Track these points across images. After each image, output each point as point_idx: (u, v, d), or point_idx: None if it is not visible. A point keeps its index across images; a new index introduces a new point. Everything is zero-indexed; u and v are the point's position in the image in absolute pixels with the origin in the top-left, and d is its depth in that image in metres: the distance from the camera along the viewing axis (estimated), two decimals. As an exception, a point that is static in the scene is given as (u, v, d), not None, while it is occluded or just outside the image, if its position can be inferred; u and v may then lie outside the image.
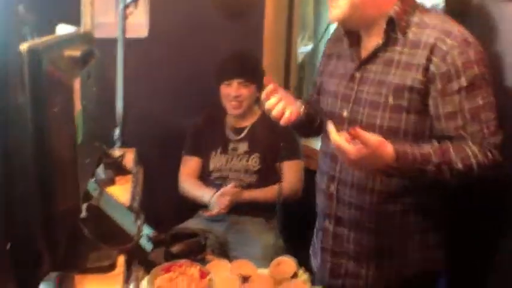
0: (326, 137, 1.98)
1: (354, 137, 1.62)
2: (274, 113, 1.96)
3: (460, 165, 1.71)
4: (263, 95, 1.99)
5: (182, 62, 3.44)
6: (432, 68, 1.75)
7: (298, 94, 3.74)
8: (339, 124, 1.90)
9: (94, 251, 1.45)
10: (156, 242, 1.87)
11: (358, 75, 1.94)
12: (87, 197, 1.44)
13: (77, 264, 1.34)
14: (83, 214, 1.37)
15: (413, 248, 2.00)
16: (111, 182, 2.30)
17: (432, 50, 1.75)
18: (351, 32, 1.99)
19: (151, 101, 3.40)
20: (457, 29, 1.78)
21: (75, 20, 2.30)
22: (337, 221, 2.05)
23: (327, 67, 2.13)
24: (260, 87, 3.15)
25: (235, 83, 3.14)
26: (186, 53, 3.45)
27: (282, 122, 1.96)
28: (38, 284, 1.05)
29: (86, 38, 1.36)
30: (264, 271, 2.11)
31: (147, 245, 1.64)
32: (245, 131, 3.26)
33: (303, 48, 4.07)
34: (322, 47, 3.48)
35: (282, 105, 1.95)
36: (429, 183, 1.81)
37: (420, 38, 1.79)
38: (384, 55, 1.87)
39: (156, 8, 3.39)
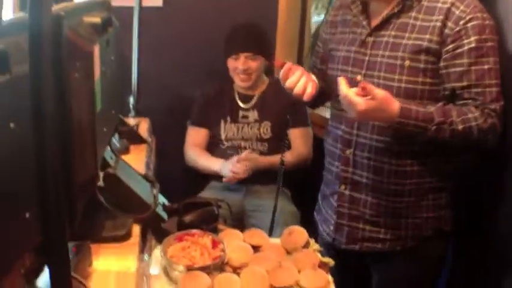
0: (339, 102, 2.00)
1: (363, 90, 1.72)
2: (297, 90, 1.98)
3: (460, 127, 1.79)
4: (281, 74, 2.02)
5: (197, 31, 3.43)
6: (446, 30, 1.83)
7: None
8: (353, 88, 1.93)
9: (109, 220, 1.46)
10: (169, 212, 1.87)
11: (370, 40, 1.99)
12: (104, 165, 1.44)
13: (93, 233, 1.35)
14: (100, 182, 1.37)
15: (427, 209, 2.07)
16: (126, 150, 2.30)
17: (447, 14, 1.83)
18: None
19: (165, 71, 3.40)
20: None
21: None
22: (353, 186, 2.10)
23: (333, 35, 2.17)
24: (268, 57, 3.20)
25: (242, 57, 3.13)
26: (200, 22, 3.44)
27: (306, 97, 1.98)
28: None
29: (105, 5, 1.35)
30: (275, 240, 2.12)
31: (163, 214, 1.64)
32: (254, 99, 3.27)
33: (316, 18, 4.04)
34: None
35: (303, 82, 1.98)
36: (430, 141, 1.86)
37: (435, 4, 1.87)
38: (398, 21, 1.93)
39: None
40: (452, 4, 1.84)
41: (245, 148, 3.18)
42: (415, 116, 1.80)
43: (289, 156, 3.08)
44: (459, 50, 1.83)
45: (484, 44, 1.82)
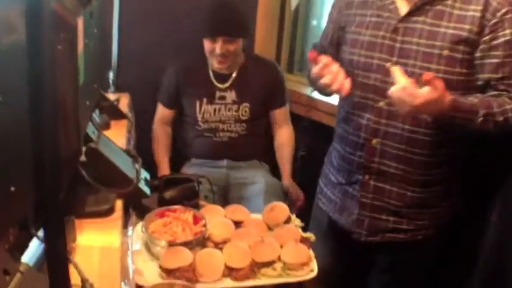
0: (362, 90, 1.99)
1: (426, 82, 1.64)
2: (334, 87, 1.85)
3: (501, 118, 1.78)
4: (315, 71, 1.88)
5: (179, 5, 3.36)
6: (484, 21, 1.79)
7: (292, 40, 3.68)
8: (382, 76, 1.92)
9: (92, 195, 1.44)
10: (149, 188, 1.86)
11: (401, 25, 1.91)
12: (86, 139, 1.42)
13: (76, 208, 1.33)
14: (82, 157, 1.35)
15: (449, 196, 2.07)
16: (107, 126, 2.27)
17: (485, 5, 1.80)
18: None
19: (145, 46, 3.33)
20: None
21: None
22: (379, 176, 2.03)
23: (349, 17, 2.07)
24: (246, 36, 3.10)
25: (220, 40, 2.95)
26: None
27: (344, 93, 1.86)
28: (39, 229, 1.04)
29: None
30: (257, 216, 2.12)
31: (146, 189, 1.63)
32: (231, 79, 3.12)
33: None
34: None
35: (341, 78, 1.85)
36: (473, 133, 1.83)
37: None
38: (432, 8, 1.86)
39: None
40: None
41: (223, 130, 3.12)
42: (463, 108, 1.76)
43: (287, 151, 3.18)
44: (495, 42, 1.80)
45: None
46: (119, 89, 3.04)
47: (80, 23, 1.09)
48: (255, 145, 3.17)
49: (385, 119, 1.97)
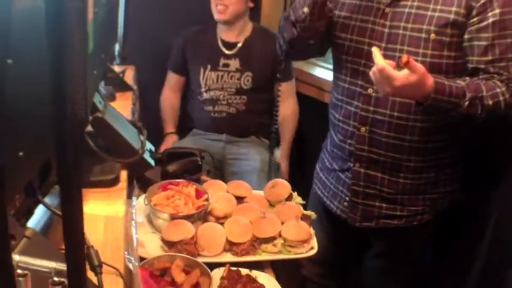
0: (351, 76, 1.97)
1: (404, 64, 1.59)
2: None
3: (490, 101, 1.71)
4: None
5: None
6: (472, 2, 1.75)
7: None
8: (371, 62, 1.82)
9: (97, 164, 1.44)
10: (154, 160, 1.86)
11: (389, 10, 1.88)
12: (93, 109, 1.42)
13: (84, 177, 1.34)
14: (89, 127, 1.35)
15: (444, 183, 2.04)
16: (112, 97, 2.27)
17: None
18: None
19: (151, 18, 3.33)
20: None
21: None
22: (369, 164, 2.02)
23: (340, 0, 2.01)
24: None
25: None
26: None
27: None
28: (45, 195, 1.04)
29: None
30: (259, 192, 2.13)
31: (150, 160, 1.63)
32: (238, 47, 3.13)
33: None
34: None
35: None
36: (459, 118, 1.77)
37: None
38: None
39: None
40: None
41: (223, 102, 3.11)
42: (448, 92, 1.69)
43: (286, 130, 3.17)
44: (484, 23, 1.75)
45: (508, 16, 1.76)
46: (124, 61, 3.03)
47: (90, -10, 1.09)
48: (255, 121, 3.16)
49: (373, 107, 1.94)
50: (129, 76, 2.77)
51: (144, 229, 1.83)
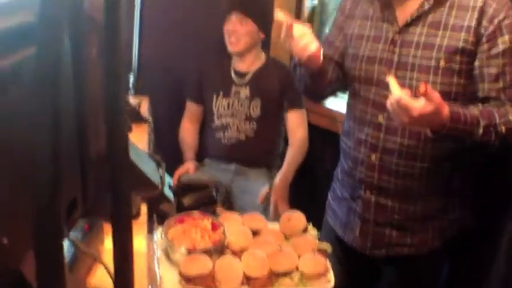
0: (363, 104, 1.98)
1: (422, 94, 1.58)
2: (300, 45, 1.85)
3: (503, 128, 1.71)
4: (282, 35, 1.87)
5: (198, 10, 3.40)
6: (481, 29, 1.76)
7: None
8: (381, 89, 1.90)
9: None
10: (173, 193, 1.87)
11: (398, 38, 1.89)
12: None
13: (103, 212, 1.33)
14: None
15: (454, 209, 2.03)
16: (129, 129, 2.28)
17: (481, 12, 1.75)
18: None
19: (165, 50, 3.37)
20: None
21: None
22: (379, 191, 2.01)
23: (350, 30, 2.05)
24: (263, 27, 3.13)
25: (233, 17, 3.06)
26: (199, 3, 3.41)
27: (312, 49, 1.85)
28: (70, 230, 1.05)
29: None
30: (274, 225, 2.12)
31: (170, 194, 1.64)
32: (249, 76, 3.19)
33: (309, 2, 4.01)
34: (330, 1, 3.48)
35: (308, 38, 1.85)
36: (474, 144, 1.78)
37: (468, 1, 1.78)
38: (428, 17, 1.83)
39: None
40: (485, 2, 1.77)
41: (232, 128, 3.17)
42: (463, 121, 1.69)
43: (290, 157, 3.16)
44: (494, 51, 1.76)
45: None
46: (137, 92, 3.07)
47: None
48: (264, 149, 3.19)
49: (383, 134, 1.94)
50: (144, 108, 2.80)
51: (161, 263, 1.83)
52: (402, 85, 1.73)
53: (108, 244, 1.25)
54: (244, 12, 3.05)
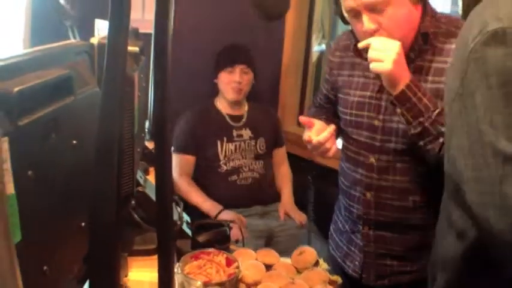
0: (355, 147, 2.12)
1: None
2: (322, 149, 2.05)
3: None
4: (305, 138, 2.07)
5: (206, 59, 3.54)
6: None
7: (315, 91, 3.86)
8: (371, 133, 2.04)
9: (139, 235, 1.55)
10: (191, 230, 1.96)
11: None
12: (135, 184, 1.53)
13: (129, 246, 1.44)
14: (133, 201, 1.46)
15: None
16: (146, 172, 2.40)
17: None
18: None
19: (176, 95, 3.50)
20: None
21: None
22: (377, 225, 2.13)
23: (340, 77, 2.20)
24: (255, 75, 3.42)
25: (238, 68, 3.30)
26: (208, 50, 3.55)
27: (331, 154, 2.05)
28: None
29: (134, 33, 1.45)
30: (286, 260, 2.20)
31: (188, 231, 1.73)
32: (244, 118, 3.42)
33: (317, 48, 4.15)
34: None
35: (324, 147, 2.04)
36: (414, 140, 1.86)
37: (449, 46, 1.90)
38: (412, 64, 1.93)
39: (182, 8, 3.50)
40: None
41: (246, 169, 3.32)
42: (423, 92, 1.81)
43: (287, 181, 3.35)
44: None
45: None
46: (152, 137, 3.19)
47: (136, 77, 1.22)
48: (275, 184, 3.40)
49: (376, 174, 2.07)
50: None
51: (178, 297, 1.91)
52: (389, 128, 1.95)
53: (130, 276, 1.35)
54: (248, 65, 3.33)
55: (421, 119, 1.81)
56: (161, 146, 0.82)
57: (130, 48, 1.21)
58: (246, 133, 3.39)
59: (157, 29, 0.78)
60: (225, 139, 3.34)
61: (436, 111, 1.79)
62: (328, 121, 2.19)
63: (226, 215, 3.14)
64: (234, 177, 3.30)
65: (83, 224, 0.93)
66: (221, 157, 3.32)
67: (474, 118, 1.15)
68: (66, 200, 0.87)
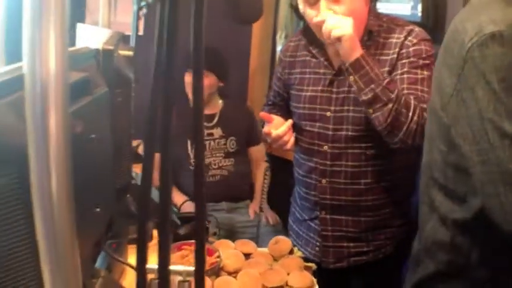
0: (310, 138, 2.28)
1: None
2: (281, 142, 2.21)
3: (405, 98, 1.97)
4: (265, 130, 2.24)
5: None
6: (401, 51, 2.10)
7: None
8: (324, 123, 2.22)
9: (133, 225, 1.66)
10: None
11: (335, 79, 2.20)
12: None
13: (126, 235, 1.55)
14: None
15: (400, 217, 2.31)
16: (134, 167, 2.50)
17: (401, 45, 2.10)
18: (315, 41, 2.24)
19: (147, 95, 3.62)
20: (417, 29, 2.16)
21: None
22: (333, 210, 2.30)
23: (293, 75, 2.37)
24: (220, 77, 3.52)
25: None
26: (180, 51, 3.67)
27: (289, 146, 2.22)
28: (103, 245, 1.26)
29: (120, 36, 1.55)
30: (263, 249, 2.33)
31: (177, 220, 1.85)
32: (216, 118, 3.55)
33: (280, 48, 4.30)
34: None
35: (283, 139, 2.20)
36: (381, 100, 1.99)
37: (391, 40, 2.13)
38: None
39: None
40: (405, 37, 2.11)
41: (214, 167, 3.44)
42: (374, 63, 1.99)
43: (260, 179, 3.46)
44: (412, 65, 2.08)
45: (419, 59, 2.09)
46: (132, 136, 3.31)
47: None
48: (246, 183, 3.49)
49: (329, 161, 2.25)
50: (141, 149, 3.02)
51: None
52: (341, 118, 2.14)
53: (129, 261, 1.47)
54: (206, 68, 3.34)
55: (372, 86, 1.97)
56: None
57: (125, 52, 1.33)
58: (217, 132, 3.52)
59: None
60: None
61: (386, 80, 1.98)
62: (283, 118, 2.35)
63: (189, 206, 3.26)
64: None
65: (98, 209, 1.05)
66: (191, 155, 3.42)
67: (476, 110, 1.32)
68: (86, 186, 0.98)
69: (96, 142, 1.00)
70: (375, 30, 2.13)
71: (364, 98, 1.99)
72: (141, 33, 3.55)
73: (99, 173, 1.03)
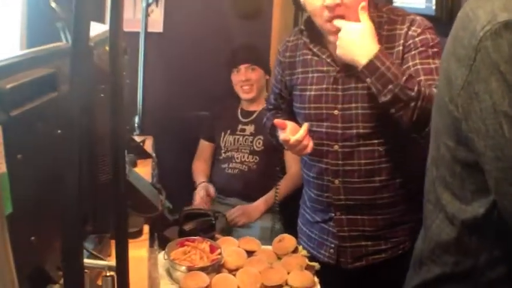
0: (318, 138, 2.20)
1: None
2: (300, 147, 2.14)
3: (427, 90, 1.90)
4: (282, 137, 2.18)
5: (195, 57, 3.69)
6: (407, 43, 2.04)
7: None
8: (332, 123, 2.16)
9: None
10: (171, 219, 2.08)
11: (340, 75, 2.13)
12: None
13: (111, 229, 1.56)
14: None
15: (415, 212, 2.22)
16: (134, 164, 2.52)
17: (405, 36, 2.04)
18: (316, 38, 2.21)
19: (167, 94, 3.65)
20: (418, 18, 2.09)
21: (100, 17, 2.53)
22: (349, 210, 2.24)
23: (295, 76, 2.31)
24: (267, 72, 3.54)
25: (242, 68, 3.45)
26: (198, 49, 3.70)
27: (309, 150, 2.15)
28: (83, 240, 1.27)
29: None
30: (267, 247, 2.32)
31: (169, 216, 1.85)
32: (254, 115, 3.56)
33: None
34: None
35: (301, 145, 2.13)
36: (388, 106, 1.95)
37: (394, 32, 2.07)
38: None
39: (171, 7, 3.64)
40: (408, 27, 2.06)
41: (236, 160, 3.46)
42: (391, 61, 1.92)
43: (283, 186, 3.37)
44: (424, 54, 2.02)
45: (428, 48, 2.03)
46: (142, 132, 3.32)
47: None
48: (265, 183, 3.42)
49: (341, 160, 2.19)
50: (148, 145, 3.04)
51: (164, 281, 2.03)
52: (349, 115, 2.08)
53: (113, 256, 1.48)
54: (252, 63, 3.47)
55: (390, 87, 1.90)
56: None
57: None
58: (249, 129, 3.55)
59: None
60: (228, 131, 3.56)
61: (404, 77, 1.90)
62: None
63: (200, 189, 3.45)
64: (225, 165, 3.48)
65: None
66: (222, 147, 3.55)
67: (490, 103, 1.23)
68: (52, 180, 0.99)
69: (62, 138, 1.01)
70: (376, 22, 2.06)
71: (383, 99, 1.94)
72: (159, 30, 3.60)
73: (65, 168, 1.03)
